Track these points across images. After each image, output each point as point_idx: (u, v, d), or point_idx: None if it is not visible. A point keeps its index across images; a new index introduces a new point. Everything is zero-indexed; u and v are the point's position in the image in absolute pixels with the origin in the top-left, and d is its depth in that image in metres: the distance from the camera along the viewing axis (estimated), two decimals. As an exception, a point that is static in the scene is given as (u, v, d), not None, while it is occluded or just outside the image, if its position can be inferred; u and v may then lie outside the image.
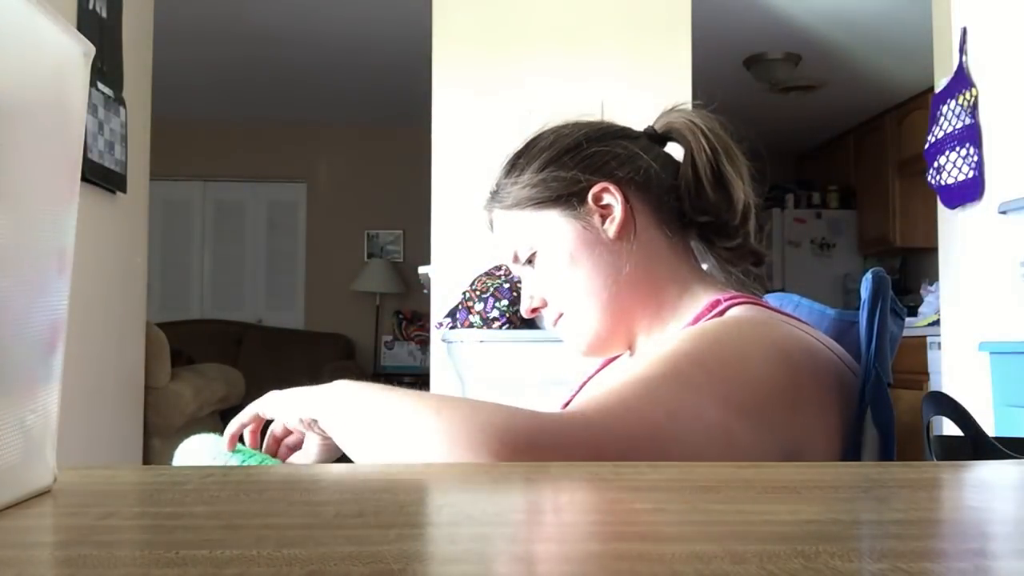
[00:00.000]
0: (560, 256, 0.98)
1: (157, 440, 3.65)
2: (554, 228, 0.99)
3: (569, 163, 0.99)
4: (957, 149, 3.00)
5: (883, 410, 0.84)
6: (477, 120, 3.23)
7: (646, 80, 3.19)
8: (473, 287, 2.68)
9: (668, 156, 1.04)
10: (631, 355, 1.02)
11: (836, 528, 0.44)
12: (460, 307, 2.65)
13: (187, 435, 0.95)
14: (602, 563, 0.38)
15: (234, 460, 0.88)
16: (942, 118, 3.10)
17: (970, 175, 2.96)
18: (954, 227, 3.20)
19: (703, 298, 0.95)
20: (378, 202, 6.65)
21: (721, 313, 0.90)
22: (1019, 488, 0.60)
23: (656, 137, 1.05)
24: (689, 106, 1.07)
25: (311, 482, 0.58)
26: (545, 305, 1.02)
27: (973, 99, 2.97)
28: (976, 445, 1.07)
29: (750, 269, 1.03)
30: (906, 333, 4.09)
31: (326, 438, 0.84)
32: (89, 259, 2.86)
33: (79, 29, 1.03)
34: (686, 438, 0.75)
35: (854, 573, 0.34)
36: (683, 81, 3.20)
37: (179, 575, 0.33)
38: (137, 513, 0.50)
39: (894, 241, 5.83)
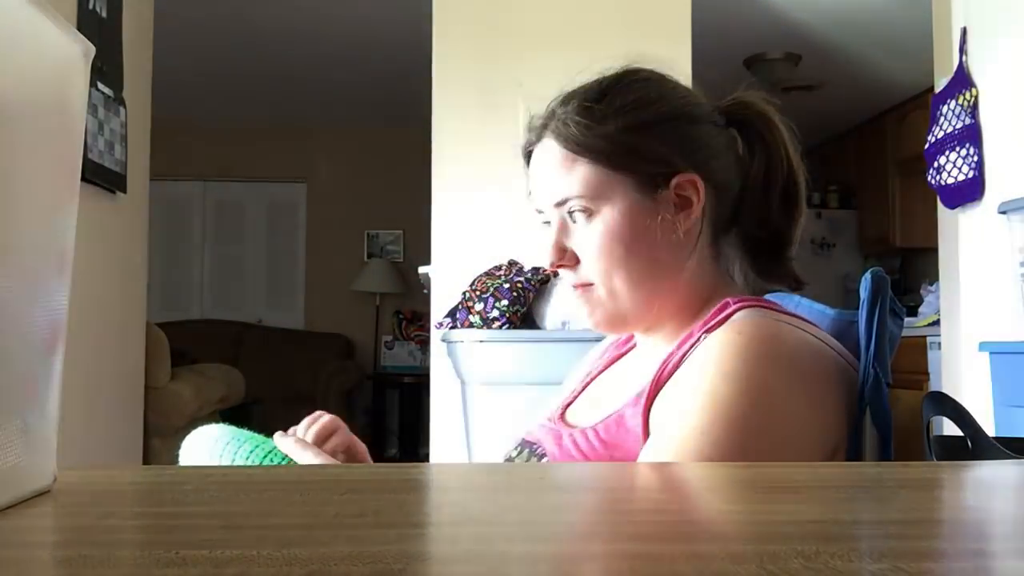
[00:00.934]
0: (620, 232, 0.91)
1: (157, 440, 3.65)
2: (624, 199, 0.92)
3: (663, 136, 0.92)
4: (957, 149, 3.00)
5: (881, 410, 0.84)
6: (477, 120, 3.23)
7: (646, 80, 3.18)
8: (473, 287, 2.68)
9: (739, 153, 0.98)
10: (645, 333, 1.00)
11: (836, 528, 0.44)
12: (460, 307, 2.65)
13: (187, 435, 0.95)
14: (602, 563, 0.38)
15: (247, 446, 0.88)
16: (942, 118, 3.10)
17: (970, 175, 2.96)
18: (954, 227, 3.19)
19: (717, 300, 0.94)
20: (378, 202, 6.65)
21: (728, 316, 0.89)
22: (1019, 488, 0.60)
23: (726, 120, 0.98)
24: (763, 98, 0.99)
25: (311, 482, 0.58)
26: (575, 265, 0.95)
27: (973, 99, 2.97)
28: (976, 445, 1.07)
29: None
30: (906, 333, 4.08)
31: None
32: (89, 259, 2.86)
33: (79, 29, 1.03)
34: None
35: (854, 573, 0.34)
36: (683, 81, 3.19)
37: (179, 575, 0.33)
38: (137, 513, 0.50)
39: (894, 241, 5.83)
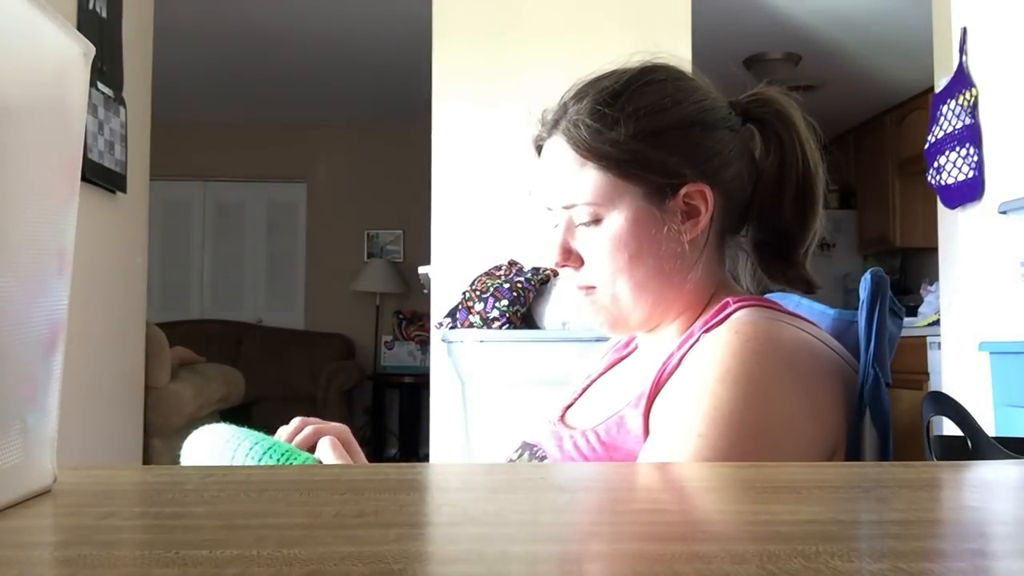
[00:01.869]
0: (625, 239, 0.91)
1: (157, 440, 3.65)
2: (631, 206, 0.91)
3: (674, 144, 0.91)
4: (957, 149, 3.00)
5: (881, 410, 0.84)
6: (477, 120, 3.23)
7: (646, 80, 3.18)
8: (473, 287, 2.68)
9: (753, 155, 0.96)
10: (647, 335, 1.00)
11: (836, 528, 0.44)
12: (460, 307, 2.65)
13: (187, 435, 0.95)
14: (602, 563, 0.38)
15: (246, 443, 0.88)
16: (942, 118, 3.10)
17: (970, 175, 2.96)
18: (954, 227, 3.20)
19: (719, 301, 0.93)
20: (378, 202, 6.65)
21: (728, 316, 0.89)
22: (1019, 488, 0.60)
23: (742, 116, 0.96)
24: (782, 96, 0.97)
25: (311, 482, 0.58)
26: (579, 266, 0.94)
27: (973, 99, 2.97)
28: (976, 445, 1.07)
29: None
30: (906, 333, 4.09)
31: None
32: (89, 259, 2.86)
33: (79, 29, 1.03)
34: None
35: (854, 573, 0.34)
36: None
37: (179, 575, 0.33)
38: (137, 513, 0.50)
39: (894, 241, 5.83)
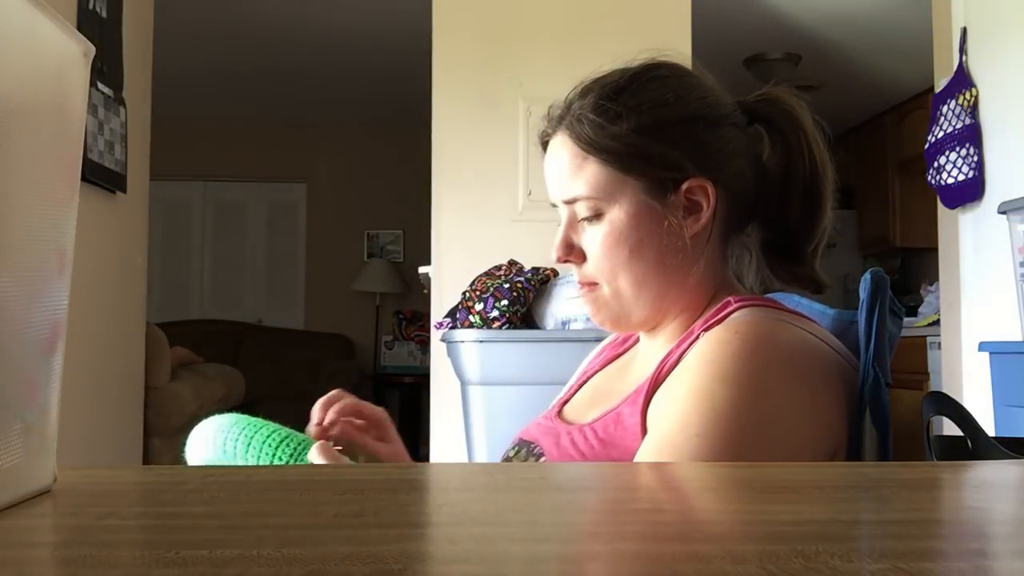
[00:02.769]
0: (626, 234, 0.91)
1: (157, 440, 3.65)
2: (632, 201, 0.91)
3: (677, 139, 0.90)
4: (957, 149, 3.00)
5: (881, 410, 0.84)
6: (477, 120, 3.23)
7: (646, 80, 3.18)
8: (473, 287, 2.68)
9: (758, 153, 0.96)
10: (648, 333, 1.00)
11: (836, 528, 0.44)
12: (460, 307, 2.65)
13: (187, 435, 0.95)
14: (602, 563, 0.38)
15: (235, 429, 0.88)
16: (942, 118, 3.10)
17: (970, 175, 2.96)
18: (954, 227, 3.20)
19: (721, 299, 0.93)
20: (378, 202, 6.65)
21: (728, 315, 0.89)
22: (1019, 488, 0.59)
23: (748, 116, 0.96)
24: (790, 92, 0.97)
25: (311, 482, 0.58)
26: (581, 262, 0.95)
27: (973, 99, 2.97)
28: (976, 445, 1.07)
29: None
30: (906, 333, 4.09)
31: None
32: (89, 259, 2.86)
33: (79, 29, 1.03)
34: None
35: (854, 573, 0.34)
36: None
37: (179, 575, 0.33)
38: (137, 513, 0.50)
39: (894, 241, 5.83)
